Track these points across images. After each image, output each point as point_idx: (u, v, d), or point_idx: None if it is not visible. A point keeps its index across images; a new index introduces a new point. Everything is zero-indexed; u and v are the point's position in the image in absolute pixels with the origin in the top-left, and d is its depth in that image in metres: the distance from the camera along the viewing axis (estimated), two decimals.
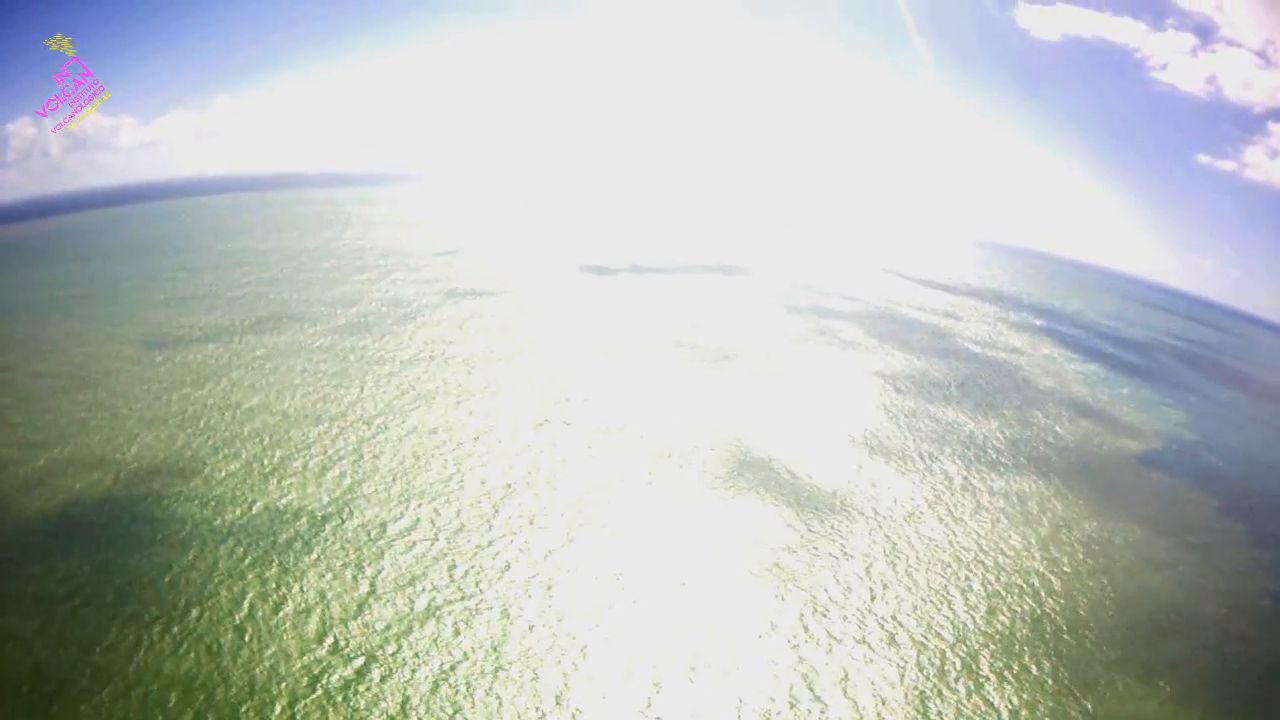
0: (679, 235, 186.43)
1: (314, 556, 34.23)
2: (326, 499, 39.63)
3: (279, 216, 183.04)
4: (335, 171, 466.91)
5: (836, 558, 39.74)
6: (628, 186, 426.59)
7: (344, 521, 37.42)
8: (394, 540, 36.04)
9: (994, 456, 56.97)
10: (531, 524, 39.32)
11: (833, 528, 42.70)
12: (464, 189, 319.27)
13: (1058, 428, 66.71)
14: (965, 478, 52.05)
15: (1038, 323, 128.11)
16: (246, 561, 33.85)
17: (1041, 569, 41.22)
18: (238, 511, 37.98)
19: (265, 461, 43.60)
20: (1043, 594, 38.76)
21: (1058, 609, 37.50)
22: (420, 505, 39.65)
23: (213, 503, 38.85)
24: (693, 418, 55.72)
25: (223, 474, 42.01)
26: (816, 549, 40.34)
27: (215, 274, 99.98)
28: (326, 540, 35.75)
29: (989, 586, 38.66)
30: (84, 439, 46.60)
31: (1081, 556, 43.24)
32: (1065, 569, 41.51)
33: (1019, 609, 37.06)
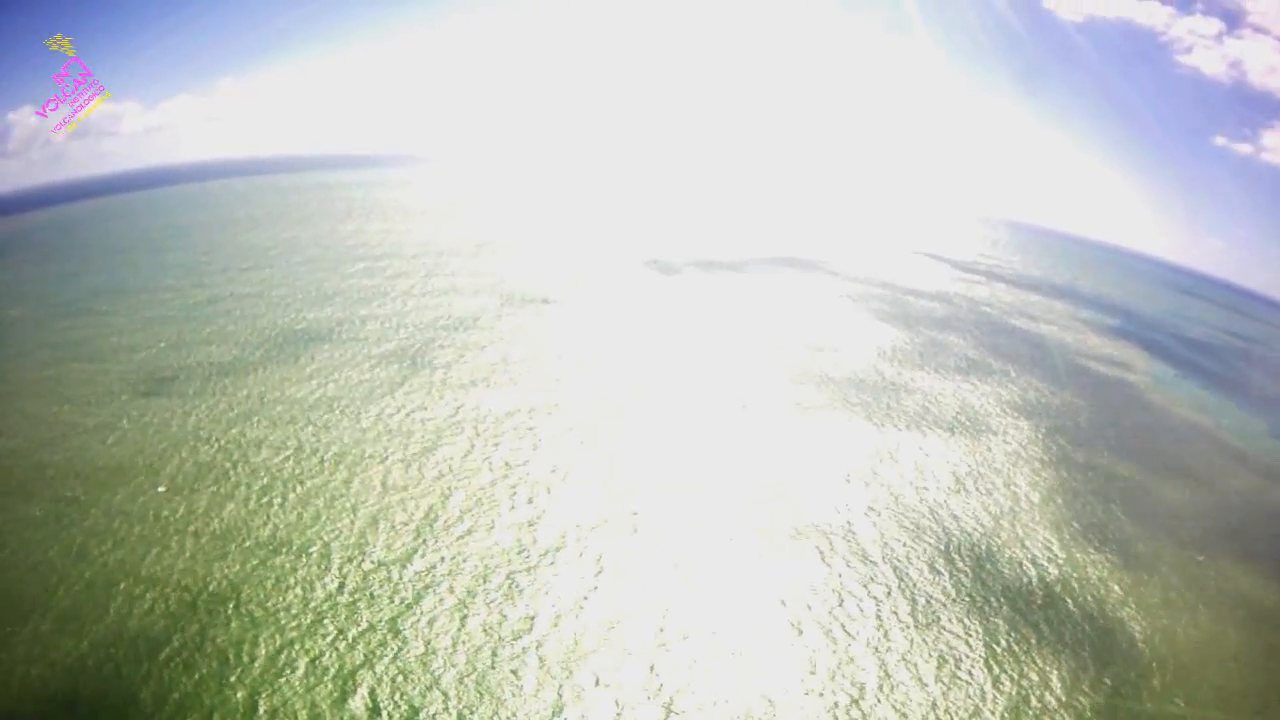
0: (720, 222, 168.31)
1: None
2: None
3: (291, 204, 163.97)
4: (341, 153, 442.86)
5: None
6: (642, 168, 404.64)
7: None
8: None
9: (1237, 552, 42.40)
10: None
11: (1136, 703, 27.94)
12: (478, 172, 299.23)
13: (1222, 486, 52.10)
14: (1232, 615, 36.85)
15: (1112, 322, 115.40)
16: None
17: None
18: None
19: (274, 665, 26.46)
20: None
21: None
22: None
23: None
24: (868, 500, 40.41)
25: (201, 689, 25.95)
26: None
27: (222, 278, 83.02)
28: None
29: None
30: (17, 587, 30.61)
31: None
32: None
33: None
